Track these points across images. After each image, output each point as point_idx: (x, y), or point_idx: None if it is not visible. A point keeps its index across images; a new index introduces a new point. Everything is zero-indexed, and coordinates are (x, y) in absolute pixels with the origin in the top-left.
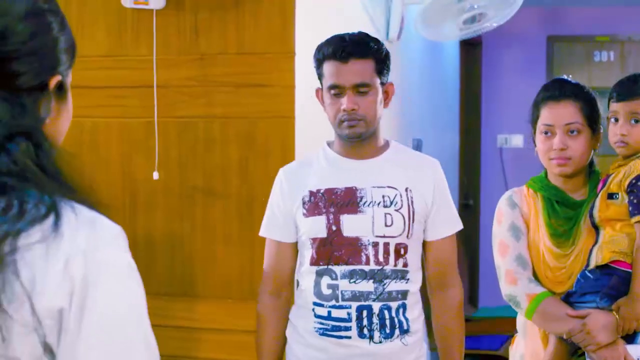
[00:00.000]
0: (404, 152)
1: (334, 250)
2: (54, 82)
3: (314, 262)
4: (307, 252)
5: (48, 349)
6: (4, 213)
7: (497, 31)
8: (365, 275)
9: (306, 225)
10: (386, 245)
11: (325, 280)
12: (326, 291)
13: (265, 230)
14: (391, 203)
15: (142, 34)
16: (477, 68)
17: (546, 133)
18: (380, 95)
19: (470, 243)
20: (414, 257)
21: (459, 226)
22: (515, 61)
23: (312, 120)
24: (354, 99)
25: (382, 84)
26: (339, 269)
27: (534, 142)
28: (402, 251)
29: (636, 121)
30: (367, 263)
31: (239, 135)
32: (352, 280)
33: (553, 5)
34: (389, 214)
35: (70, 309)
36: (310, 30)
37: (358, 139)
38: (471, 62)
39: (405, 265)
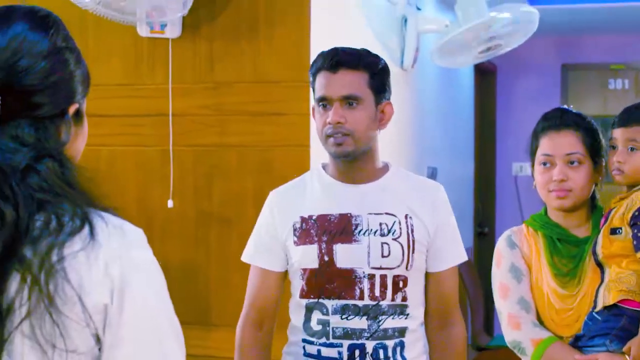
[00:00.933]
0: (404, 176)
1: (325, 282)
2: (72, 109)
3: (303, 295)
4: (297, 284)
5: (98, 340)
6: (46, 227)
7: (512, 59)
8: (358, 311)
9: (297, 254)
10: (383, 277)
11: (316, 315)
12: (316, 327)
13: (249, 257)
14: (389, 231)
15: (158, 62)
16: (492, 96)
17: (545, 164)
18: (372, 112)
19: (486, 271)
20: (415, 290)
21: (463, 257)
22: (530, 89)
23: None
24: (340, 112)
25: (378, 102)
26: (330, 304)
27: (533, 174)
28: (401, 284)
29: (632, 149)
30: (361, 297)
31: (254, 163)
32: (344, 316)
33: (568, 33)
34: (386, 243)
35: (112, 304)
36: None
37: (347, 158)
38: (486, 90)
39: (404, 299)
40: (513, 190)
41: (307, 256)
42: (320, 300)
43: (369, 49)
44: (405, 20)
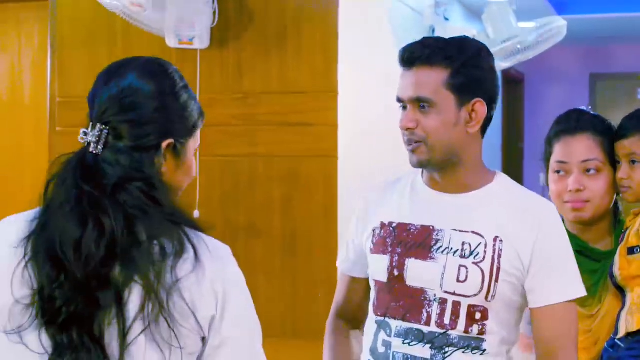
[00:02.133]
0: (508, 191)
1: (392, 299)
2: (165, 144)
3: (374, 310)
4: (371, 295)
5: (203, 340)
6: (161, 255)
7: (540, 68)
8: (422, 338)
9: (371, 263)
10: (456, 304)
11: (382, 336)
12: (380, 348)
13: (338, 259)
14: (471, 253)
15: (186, 73)
16: (520, 105)
17: (559, 172)
18: (451, 116)
19: None
20: (498, 325)
21: (574, 293)
22: (558, 98)
23: (356, 159)
24: (411, 116)
25: (463, 102)
26: (394, 324)
27: (547, 183)
28: (479, 316)
29: (634, 162)
30: (427, 323)
31: (282, 173)
32: (406, 341)
33: (596, 43)
34: (465, 266)
35: (217, 314)
36: (353, 69)
37: (424, 167)
38: (514, 99)
39: (481, 332)
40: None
41: (379, 267)
42: (386, 319)
43: (397, 58)
44: (433, 30)
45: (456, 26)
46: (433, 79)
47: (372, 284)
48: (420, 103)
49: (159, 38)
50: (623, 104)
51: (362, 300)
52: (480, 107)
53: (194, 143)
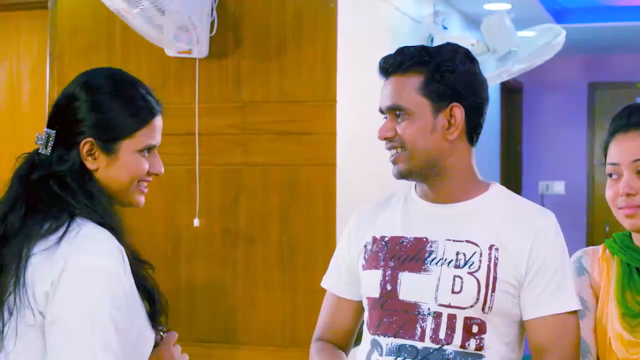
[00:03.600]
0: (503, 199)
1: (384, 315)
2: (83, 143)
3: (368, 328)
4: (365, 314)
5: (42, 315)
6: (31, 228)
7: (538, 77)
8: (415, 354)
9: (363, 279)
10: (451, 318)
11: (374, 356)
12: None
13: (324, 280)
14: (465, 263)
15: (185, 82)
16: (518, 114)
17: (611, 175)
18: (426, 123)
19: None
20: (497, 339)
21: (569, 306)
22: (557, 107)
23: (354, 168)
24: (389, 125)
25: (440, 108)
26: (385, 342)
27: None
28: (475, 329)
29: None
30: (422, 339)
31: (281, 182)
32: (398, 359)
33: (594, 52)
34: (460, 276)
35: (50, 292)
36: (352, 78)
37: (406, 178)
38: (512, 108)
39: (479, 348)
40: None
41: (371, 282)
42: (377, 338)
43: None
44: (432, 40)
45: (455, 35)
46: (407, 87)
47: (364, 302)
48: (395, 112)
49: (158, 47)
50: None
51: (349, 324)
52: (458, 112)
53: (135, 144)
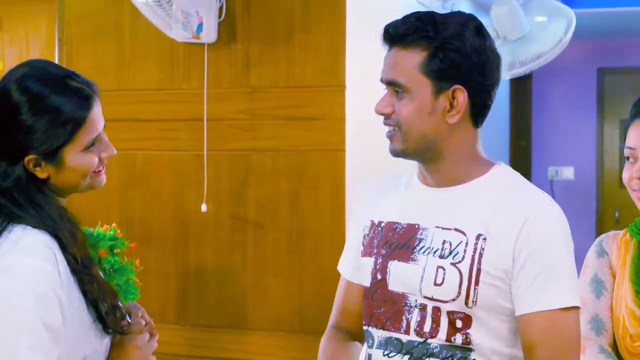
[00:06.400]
0: (500, 182)
1: (374, 306)
2: (27, 160)
3: (363, 318)
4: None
5: None
6: None
7: (547, 63)
8: (400, 348)
9: (361, 267)
10: (436, 311)
11: (368, 348)
12: None
13: (339, 262)
14: (450, 253)
15: (194, 67)
16: (527, 100)
17: (628, 159)
18: (425, 103)
19: None
20: (486, 334)
21: (566, 301)
22: (566, 93)
23: (363, 153)
24: (388, 100)
25: (441, 89)
26: (376, 334)
27: None
28: (460, 323)
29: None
30: (407, 332)
31: (289, 167)
32: (385, 352)
33: (603, 37)
34: (442, 267)
35: None
36: (361, 63)
37: (401, 157)
38: (521, 94)
39: (466, 343)
40: (549, 195)
41: (364, 271)
42: (369, 329)
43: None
44: None
45: None
46: (407, 62)
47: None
48: (394, 87)
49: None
50: (631, 98)
51: (360, 309)
52: (460, 95)
53: (78, 145)
